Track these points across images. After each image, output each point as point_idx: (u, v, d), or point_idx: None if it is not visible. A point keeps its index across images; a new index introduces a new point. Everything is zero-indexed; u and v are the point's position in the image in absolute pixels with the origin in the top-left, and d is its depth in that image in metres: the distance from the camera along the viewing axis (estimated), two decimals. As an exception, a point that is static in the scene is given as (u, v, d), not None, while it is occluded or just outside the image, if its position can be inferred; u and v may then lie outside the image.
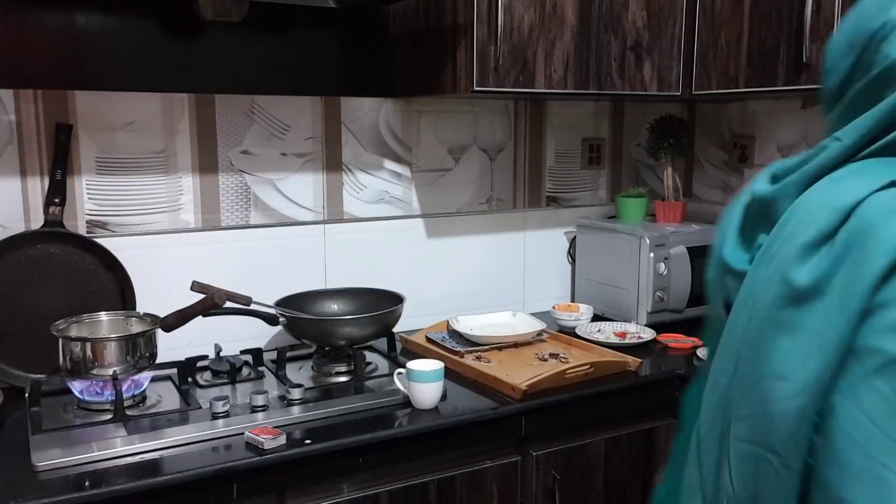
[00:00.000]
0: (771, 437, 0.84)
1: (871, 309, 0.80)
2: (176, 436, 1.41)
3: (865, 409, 0.79)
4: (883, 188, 0.83)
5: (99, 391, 1.55)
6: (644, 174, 2.54)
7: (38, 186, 1.71)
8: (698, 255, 2.09)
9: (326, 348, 1.83)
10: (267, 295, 1.76)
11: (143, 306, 1.74)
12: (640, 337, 2.03)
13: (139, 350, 1.56)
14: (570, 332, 2.06)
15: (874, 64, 0.88)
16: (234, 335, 1.84)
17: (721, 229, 0.98)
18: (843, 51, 0.92)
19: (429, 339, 1.97)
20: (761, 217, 0.93)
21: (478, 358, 1.84)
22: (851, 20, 0.92)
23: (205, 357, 1.77)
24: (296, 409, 1.54)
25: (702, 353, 1.39)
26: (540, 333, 1.99)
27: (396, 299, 1.85)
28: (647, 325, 2.10)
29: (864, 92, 0.89)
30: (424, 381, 1.56)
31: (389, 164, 2.11)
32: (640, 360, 1.80)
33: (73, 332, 1.59)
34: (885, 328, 0.78)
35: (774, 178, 0.94)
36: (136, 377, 1.58)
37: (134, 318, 1.67)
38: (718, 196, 2.46)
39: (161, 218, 1.84)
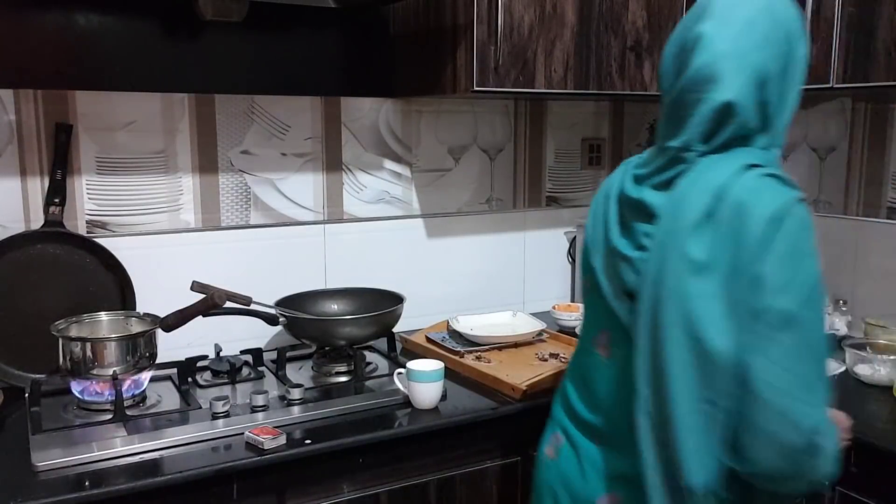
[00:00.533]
0: (707, 389, 1.00)
1: (759, 274, 0.96)
2: (176, 436, 1.41)
3: (774, 359, 0.96)
4: (741, 171, 1.01)
5: (99, 391, 1.55)
6: (644, 174, 2.54)
7: (38, 186, 1.71)
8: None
9: (326, 348, 1.83)
10: (267, 295, 1.76)
11: (143, 306, 1.74)
12: (640, 337, 2.03)
13: (139, 350, 1.56)
14: (570, 332, 2.06)
15: (685, 71, 1.06)
16: (234, 335, 1.84)
17: (598, 219, 1.17)
18: (669, 60, 1.10)
19: (429, 339, 1.97)
20: (636, 211, 1.10)
21: (478, 358, 1.84)
22: (674, 33, 1.10)
23: (205, 357, 1.77)
24: (296, 409, 1.54)
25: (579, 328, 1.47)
26: (540, 333, 1.99)
27: (396, 299, 1.85)
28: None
29: (679, 96, 1.07)
30: (424, 381, 1.56)
31: (389, 164, 2.11)
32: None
33: (73, 332, 1.59)
34: (776, 290, 0.96)
35: (637, 179, 1.12)
36: (136, 377, 1.58)
37: (134, 318, 1.68)
38: (718, 196, 2.46)
39: (161, 218, 1.84)
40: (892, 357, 1.69)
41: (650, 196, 1.10)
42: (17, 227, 1.69)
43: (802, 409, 0.98)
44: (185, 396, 1.61)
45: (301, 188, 1.99)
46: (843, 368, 1.72)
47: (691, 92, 1.05)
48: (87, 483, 1.26)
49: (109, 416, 1.49)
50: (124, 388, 1.54)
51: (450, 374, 1.68)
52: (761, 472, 1.02)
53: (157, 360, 1.62)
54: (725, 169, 1.03)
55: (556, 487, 1.24)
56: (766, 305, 0.97)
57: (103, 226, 1.78)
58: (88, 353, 1.52)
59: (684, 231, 1.01)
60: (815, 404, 0.99)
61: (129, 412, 1.50)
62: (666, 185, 1.08)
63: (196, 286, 1.65)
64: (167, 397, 1.62)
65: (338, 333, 1.76)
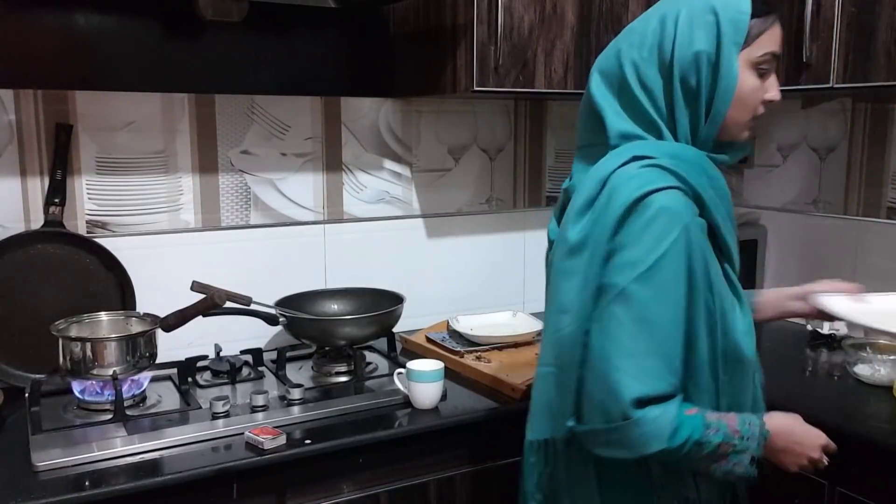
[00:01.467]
0: (558, 357, 1.13)
1: (610, 253, 1.07)
2: (176, 436, 1.41)
3: (606, 329, 1.07)
4: (627, 162, 1.11)
5: (99, 391, 1.55)
6: (644, 174, 2.54)
7: (38, 186, 1.71)
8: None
9: (326, 348, 1.83)
10: (267, 295, 1.76)
11: (143, 306, 1.74)
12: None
13: (139, 350, 1.56)
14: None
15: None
16: (234, 335, 1.84)
17: (549, 221, 1.30)
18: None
19: (429, 339, 1.97)
20: (564, 201, 1.23)
21: (478, 358, 1.84)
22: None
23: (205, 357, 1.77)
24: (296, 409, 1.54)
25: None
26: (540, 333, 1.98)
27: (396, 299, 1.85)
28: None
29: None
30: (424, 381, 1.56)
31: (389, 164, 2.11)
32: None
33: (73, 332, 1.59)
34: (617, 267, 1.06)
35: (572, 177, 1.25)
36: (136, 377, 1.58)
37: (134, 318, 1.67)
38: (718, 196, 2.46)
39: (161, 218, 1.84)
40: (892, 357, 1.69)
41: (568, 186, 1.25)
42: (17, 227, 1.69)
43: (623, 378, 1.05)
44: (185, 396, 1.61)
45: (301, 188, 1.99)
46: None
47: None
48: (87, 483, 1.26)
49: (109, 416, 1.49)
50: (124, 388, 1.54)
51: (450, 374, 1.68)
52: (585, 432, 1.11)
53: (157, 360, 1.62)
54: (615, 160, 1.13)
55: None
56: (609, 281, 1.07)
57: (103, 226, 1.78)
58: (88, 353, 1.52)
59: (571, 216, 1.14)
60: (636, 379, 1.05)
61: (129, 412, 1.50)
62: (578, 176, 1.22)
63: (196, 286, 1.65)
64: (167, 397, 1.62)
65: (338, 333, 1.76)
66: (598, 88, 1.22)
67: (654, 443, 1.06)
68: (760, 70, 1.16)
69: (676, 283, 1.07)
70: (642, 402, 1.05)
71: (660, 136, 1.16)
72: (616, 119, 1.18)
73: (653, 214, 1.06)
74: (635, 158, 1.11)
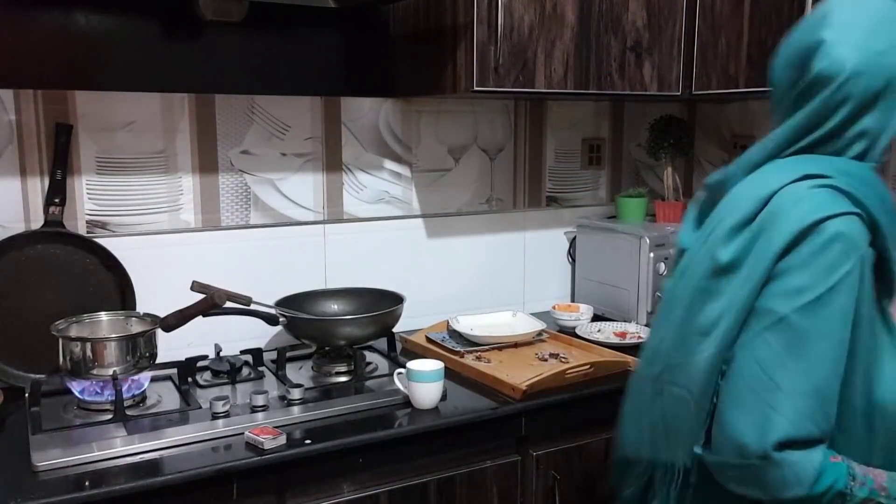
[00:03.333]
0: (691, 382, 1.05)
1: (771, 277, 0.99)
2: (176, 436, 1.41)
3: (757, 357, 0.98)
4: (796, 180, 1.02)
5: (99, 391, 1.55)
6: (644, 174, 2.54)
7: (38, 186, 1.71)
8: (698, 255, 2.09)
9: (326, 348, 1.83)
10: (267, 295, 1.76)
11: (143, 306, 1.74)
12: (640, 337, 2.03)
13: (139, 350, 1.56)
14: (570, 332, 2.06)
15: (805, 75, 1.07)
16: (234, 335, 1.84)
17: (682, 222, 1.22)
18: (784, 65, 1.12)
19: (429, 339, 1.97)
20: (709, 203, 1.15)
21: (478, 358, 1.84)
22: (792, 40, 1.12)
23: (205, 357, 1.77)
24: (296, 409, 1.53)
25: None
26: (540, 333, 1.99)
27: (396, 299, 1.85)
28: (647, 325, 2.10)
29: (797, 99, 1.09)
30: (424, 381, 1.56)
31: (389, 164, 2.11)
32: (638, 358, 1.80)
33: (73, 332, 1.59)
34: (779, 293, 0.98)
35: (724, 172, 1.17)
36: (136, 377, 1.58)
37: (134, 318, 1.67)
38: (718, 196, 2.46)
39: (161, 218, 1.84)
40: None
41: (715, 193, 1.16)
42: (17, 227, 1.69)
43: (771, 414, 0.97)
44: (185, 396, 1.61)
45: (301, 188, 1.99)
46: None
47: (806, 97, 1.07)
48: (87, 483, 1.26)
49: (109, 416, 1.49)
50: (124, 388, 1.54)
51: (450, 374, 1.68)
52: (718, 463, 1.03)
53: (157, 360, 1.62)
54: (782, 177, 1.04)
55: None
56: (767, 306, 0.99)
57: (103, 226, 1.78)
58: (88, 353, 1.52)
59: (720, 234, 1.05)
60: (785, 417, 0.96)
61: (129, 412, 1.50)
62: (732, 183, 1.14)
63: (196, 286, 1.65)
64: (167, 397, 1.62)
65: (338, 333, 1.76)
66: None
67: (793, 487, 0.98)
68: None
69: (844, 320, 0.98)
70: (786, 444, 0.97)
71: (835, 150, 1.07)
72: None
73: (827, 241, 0.97)
74: (807, 177, 1.03)
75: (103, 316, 1.67)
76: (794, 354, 0.97)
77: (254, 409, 1.52)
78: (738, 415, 0.99)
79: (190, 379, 1.67)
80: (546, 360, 1.82)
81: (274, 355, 1.78)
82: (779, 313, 0.98)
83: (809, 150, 1.08)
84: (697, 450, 1.06)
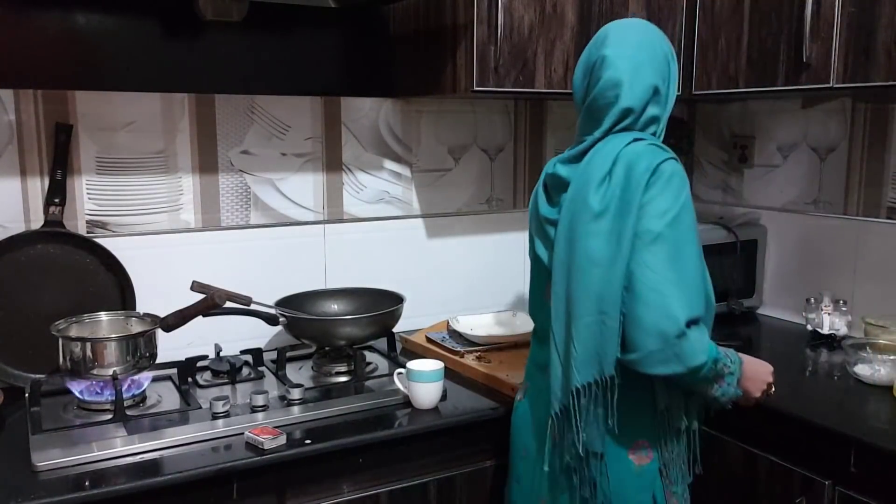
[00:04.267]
0: (600, 304, 1.29)
1: (641, 206, 1.28)
2: (176, 436, 1.41)
3: (650, 265, 1.26)
4: (629, 144, 1.33)
5: (99, 391, 1.55)
6: (644, 174, 2.54)
7: (38, 186, 1.71)
8: (698, 255, 2.09)
9: (326, 348, 1.83)
10: (267, 295, 1.77)
11: (143, 306, 1.74)
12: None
13: (139, 350, 1.56)
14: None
15: (597, 82, 1.38)
16: (234, 335, 1.84)
17: (532, 204, 1.50)
18: (581, 76, 1.43)
19: (429, 339, 1.97)
20: (557, 185, 1.43)
21: (478, 358, 1.84)
22: (583, 56, 1.45)
23: (205, 357, 1.77)
24: (296, 409, 1.54)
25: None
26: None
27: (396, 299, 1.85)
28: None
29: (594, 101, 1.39)
30: (424, 381, 1.56)
31: (389, 164, 2.11)
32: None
33: (73, 332, 1.59)
34: (650, 216, 1.27)
35: (558, 164, 1.44)
36: (136, 377, 1.58)
37: (134, 318, 1.68)
38: (718, 196, 2.46)
39: (161, 218, 1.84)
40: (892, 357, 1.69)
41: (563, 170, 1.41)
42: (17, 227, 1.69)
43: (671, 303, 1.25)
44: (185, 396, 1.61)
45: (301, 188, 1.99)
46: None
47: (602, 99, 1.37)
48: (86, 483, 1.26)
49: (109, 416, 1.49)
50: (124, 388, 1.54)
51: (450, 374, 1.68)
52: (642, 358, 1.26)
53: (157, 360, 1.62)
54: (620, 142, 1.34)
55: (518, 422, 1.50)
56: (643, 227, 1.27)
57: (103, 226, 1.78)
58: (88, 353, 1.52)
59: (590, 189, 1.32)
60: (683, 303, 1.25)
61: (129, 412, 1.50)
62: (575, 161, 1.40)
63: (196, 286, 1.65)
64: (167, 397, 1.62)
65: (338, 333, 1.76)
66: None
67: (700, 356, 1.26)
68: None
69: (694, 228, 1.31)
70: (689, 324, 1.25)
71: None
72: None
73: (670, 175, 1.29)
74: (637, 140, 1.34)
75: (103, 316, 1.67)
76: (673, 258, 1.27)
77: (254, 409, 1.52)
78: (649, 311, 1.25)
79: (190, 379, 1.68)
80: (546, 360, 1.82)
81: (274, 355, 1.78)
82: (654, 231, 1.27)
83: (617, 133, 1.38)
84: (618, 356, 1.29)
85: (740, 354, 1.38)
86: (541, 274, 1.47)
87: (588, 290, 1.30)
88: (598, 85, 1.37)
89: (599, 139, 1.38)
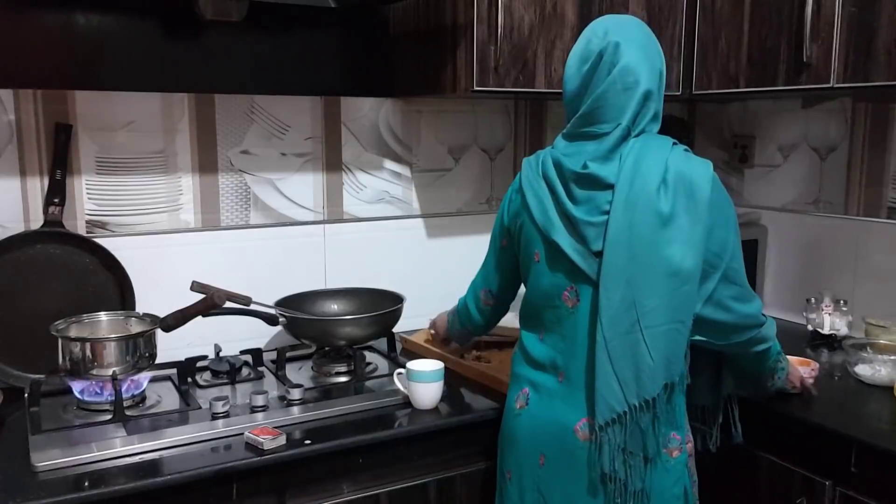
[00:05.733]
0: (678, 313, 1.31)
1: (711, 220, 1.32)
2: (176, 436, 1.41)
3: (732, 279, 1.37)
4: (672, 149, 1.34)
5: (99, 391, 1.55)
6: (644, 174, 2.54)
7: (37, 186, 1.71)
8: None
9: (326, 348, 1.83)
10: (267, 295, 1.76)
11: (142, 306, 1.74)
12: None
13: (139, 350, 1.56)
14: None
15: (612, 68, 1.34)
16: (234, 335, 1.84)
17: (544, 201, 1.40)
18: (582, 67, 1.38)
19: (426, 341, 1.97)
20: (589, 184, 1.35)
21: (478, 358, 1.84)
22: (580, 48, 1.40)
23: (205, 357, 1.76)
24: (296, 410, 1.53)
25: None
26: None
27: (396, 299, 1.85)
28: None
29: (611, 87, 1.34)
30: (424, 381, 1.56)
31: (389, 164, 2.11)
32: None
33: (73, 332, 1.59)
34: (724, 225, 1.34)
35: (582, 161, 1.36)
36: (135, 377, 1.58)
37: (134, 318, 1.67)
38: (719, 196, 2.46)
39: (161, 218, 1.84)
40: (892, 357, 1.69)
41: (601, 170, 1.34)
42: (17, 227, 1.69)
43: (754, 300, 1.41)
44: (185, 396, 1.61)
45: (301, 188, 1.99)
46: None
47: (622, 83, 1.34)
48: (86, 483, 1.26)
49: (109, 417, 1.49)
50: (124, 388, 1.54)
51: (450, 374, 1.68)
52: (752, 338, 1.42)
53: (157, 360, 1.62)
54: (661, 146, 1.35)
55: (531, 430, 1.43)
56: (722, 236, 1.34)
57: (103, 226, 1.78)
58: (88, 353, 1.52)
59: (651, 194, 1.30)
60: (756, 304, 1.42)
61: (128, 412, 1.50)
62: (607, 159, 1.35)
63: (196, 286, 1.65)
64: (167, 397, 1.62)
65: (338, 333, 1.76)
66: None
67: (773, 335, 1.45)
68: None
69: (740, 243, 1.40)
70: (760, 315, 1.42)
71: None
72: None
73: (722, 187, 1.36)
74: (675, 144, 1.37)
75: (103, 316, 1.67)
76: (741, 273, 1.39)
77: (254, 410, 1.52)
78: (749, 304, 1.40)
79: (190, 379, 1.67)
80: (546, 361, 1.82)
81: (274, 355, 1.78)
82: (731, 241, 1.36)
83: (645, 132, 1.38)
84: (701, 337, 1.39)
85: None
86: (560, 277, 1.39)
87: (664, 298, 1.30)
88: (615, 70, 1.34)
89: (627, 135, 1.35)
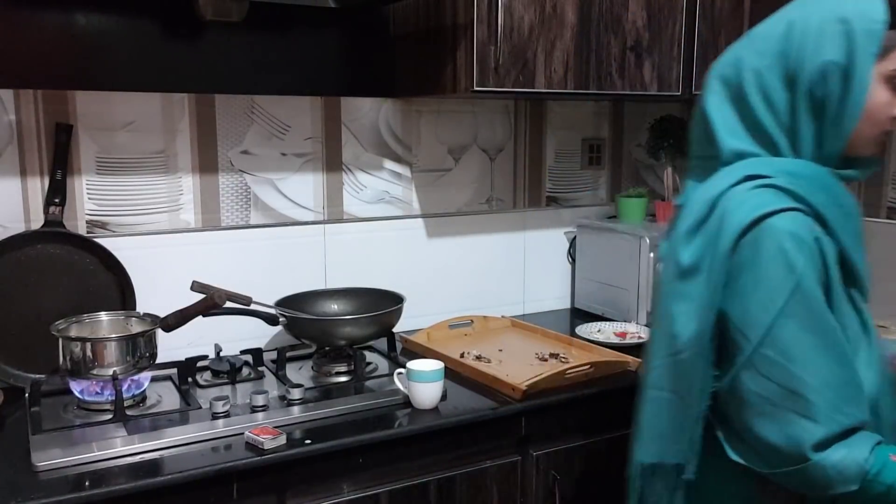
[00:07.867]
0: (675, 383, 1.11)
1: (728, 280, 1.05)
2: (176, 436, 1.41)
3: (763, 373, 1.02)
4: (738, 182, 1.08)
5: (99, 391, 1.55)
6: (644, 174, 2.54)
7: (38, 186, 1.71)
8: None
9: (326, 348, 1.83)
10: (267, 295, 1.77)
11: (143, 306, 1.74)
12: (640, 337, 2.03)
13: (139, 350, 1.56)
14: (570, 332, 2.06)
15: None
16: (234, 335, 1.84)
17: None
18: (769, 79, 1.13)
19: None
20: (676, 218, 1.19)
21: (478, 358, 1.84)
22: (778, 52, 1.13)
23: (205, 357, 1.77)
24: (296, 409, 1.53)
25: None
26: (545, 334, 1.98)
27: (396, 299, 1.85)
28: (648, 325, 2.10)
29: (825, 100, 1.09)
30: (424, 381, 1.56)
31: (389, 164, 2.11)
32: (640, 360, 1.80)
33: (73, 332, 1.59)
34: (751, 304, 1.03)
35: (684, 192, 1.21)
36: (136, 377, 1.58)
37: (134, 318, 1.67)
38: (718, 196, 2.46)
39: (161, 218, 1.84)
40: (892, 357, 1.68)
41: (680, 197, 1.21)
42: (17, 227, 1.69)
43: (791, 417, 1.01)
44: (185, 396, 1.61)
45: (301, 188, 1.99)
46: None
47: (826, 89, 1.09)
48: (87, 483, 1.26)
49: (109, 416, 1.49)
50: (124, 388, 1.54)
51: (450, 374, 1.68)
52: (762, 472, 1.07)
53: (157, 360, 1.62)
54: (725, 180, 1.10)
55: None
56: (741, 319, 1.05)
57: (103, 226, 1.78)
58: (88, 353, 1.52)
59: (680, 238, 1.11)
60: (812, 415, 1.00)
61: (129, 412, 1.50)
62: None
63: (196, 286, 1.65)
64: (167, 397, 1.62)
65: (338, 333, 1.76)
66: (712, 98, 1.18)
67: (839, 486, 1.01)
68: (894, 83, 1.12)
69: (823, 308, 1.04)
70: (823, 445, 1.00)
71: (777, 153, 1.11)
72: (728, 135, 1.14)
73: (775, 241, 1.02)
74: (748, 178, 1.08)
75: (103, 316, 1.67)
76: (791, 361, 1.01)
77: (254, 409, 1.52)
78: (765, 424, 1.02)
79: (190, 379, 1.67)
80: (546, 360, 1.82)
81: (274, 355, 1.78)
82: (762, 326, 1.02)
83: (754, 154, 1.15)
84: (735, 456, 1.09)
85: None
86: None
87: (663, 358, 1.13)
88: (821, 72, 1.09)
89: (727, 163, 1.15)
